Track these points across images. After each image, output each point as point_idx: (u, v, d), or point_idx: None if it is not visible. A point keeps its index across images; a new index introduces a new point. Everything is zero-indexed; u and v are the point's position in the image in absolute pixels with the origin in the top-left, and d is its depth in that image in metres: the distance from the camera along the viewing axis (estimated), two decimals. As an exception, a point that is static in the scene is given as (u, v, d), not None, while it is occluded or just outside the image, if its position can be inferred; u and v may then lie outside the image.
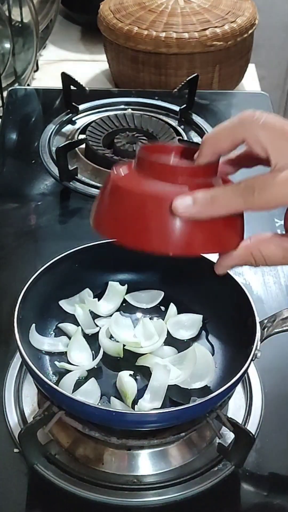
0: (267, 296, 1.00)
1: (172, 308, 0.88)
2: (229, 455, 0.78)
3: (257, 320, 0.78)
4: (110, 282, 0.91)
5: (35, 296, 0.83)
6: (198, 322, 0.87)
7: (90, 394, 0.79)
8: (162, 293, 0.91)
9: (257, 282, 1.02)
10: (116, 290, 0.90)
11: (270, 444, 0.82)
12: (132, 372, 0.81)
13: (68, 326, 0.86)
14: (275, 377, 0.89)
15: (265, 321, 0.81)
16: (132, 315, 0.89)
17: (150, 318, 0.88)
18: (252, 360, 0.75)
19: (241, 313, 0.81)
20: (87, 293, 0.89)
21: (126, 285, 0.90)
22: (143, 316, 0.89)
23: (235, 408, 0.85)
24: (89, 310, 0.88)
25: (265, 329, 0.80)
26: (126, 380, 0.79)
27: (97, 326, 0.87)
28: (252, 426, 0.82)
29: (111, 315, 0.88)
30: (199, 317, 0.88)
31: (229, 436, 0.78)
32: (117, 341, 0.85)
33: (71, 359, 0.83)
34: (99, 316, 0.88)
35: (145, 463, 0.79)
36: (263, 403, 0.85)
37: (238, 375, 0.73)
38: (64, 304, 0.89)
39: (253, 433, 0.80)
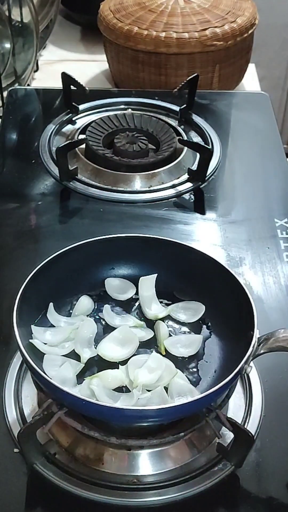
0: (267, 296, 1.00)
1: (163, 327, 0.88)
2: (229, 455, 0.78)
3: (257, 334, 0.78)
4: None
5: (34, 292, 0.83)
6: (198, 342, 0.86)
7: None
8: (203, 307, 0.90)
9: (257, 282, 1.02)
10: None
11: (270, 444, 0.81)
12: None
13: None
14: (275, 377, 0.89)
15: (263, 337, 0.80)
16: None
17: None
18: (239, 373, 0.75)
19: (243, 322, 0.81)
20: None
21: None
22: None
23: (235, 408, 0.85)
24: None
25: (260, 345, 0.79)
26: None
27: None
28: (252, 426, 0.82)
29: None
30: (199, 337, 0.87)
31: (229, 436, 0.78)
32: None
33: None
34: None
35: (145, 463, 0.79)
36: (263, 403, 0.85)
37: (231, 375, 0.74)
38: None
39: (253, 433, 0.80)
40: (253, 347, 0.77)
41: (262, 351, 0.78)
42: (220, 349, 0.86)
